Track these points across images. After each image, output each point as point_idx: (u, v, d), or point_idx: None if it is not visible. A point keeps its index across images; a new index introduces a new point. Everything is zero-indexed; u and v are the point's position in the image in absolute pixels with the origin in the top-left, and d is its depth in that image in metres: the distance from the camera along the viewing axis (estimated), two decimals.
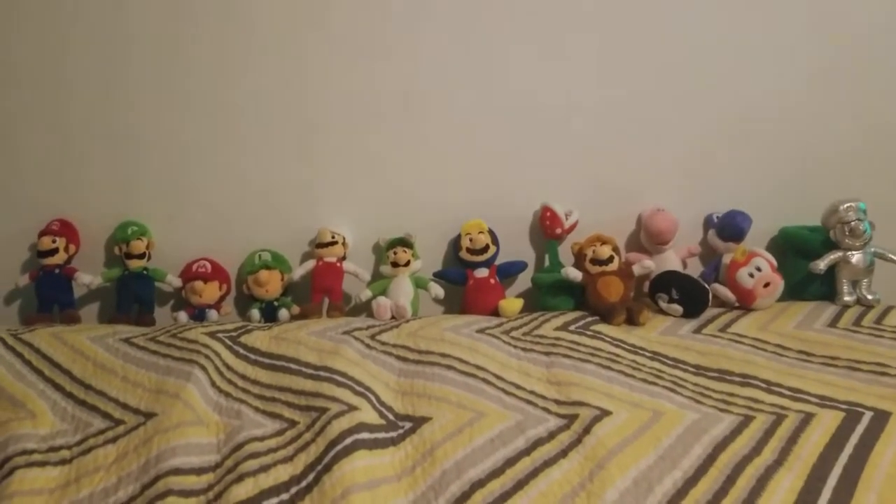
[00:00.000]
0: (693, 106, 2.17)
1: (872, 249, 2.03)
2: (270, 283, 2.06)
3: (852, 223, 1.99)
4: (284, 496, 1.15)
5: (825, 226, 2.06)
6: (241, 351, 1.71)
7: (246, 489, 1.15)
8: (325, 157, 2.12)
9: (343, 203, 2.16)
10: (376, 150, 2.13)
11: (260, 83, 2.05)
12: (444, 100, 2.11)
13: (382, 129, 2.11)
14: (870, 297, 2.00)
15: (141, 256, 2.03)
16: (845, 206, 2.01)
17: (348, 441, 1.25)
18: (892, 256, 2.03)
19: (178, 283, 2.08)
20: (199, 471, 1.23)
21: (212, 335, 1.76)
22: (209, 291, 2.06)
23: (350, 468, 1.17)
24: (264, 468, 1.22)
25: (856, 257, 2.00)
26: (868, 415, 1.38)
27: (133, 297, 2.04)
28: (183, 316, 2.03)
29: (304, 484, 1.17)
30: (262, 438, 1.34)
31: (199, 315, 2.05)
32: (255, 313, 2.05)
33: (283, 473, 1.21)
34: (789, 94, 2.18)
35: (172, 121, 2.06)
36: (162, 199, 2.10)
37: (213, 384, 1.56)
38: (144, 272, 2.05)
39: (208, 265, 2.09)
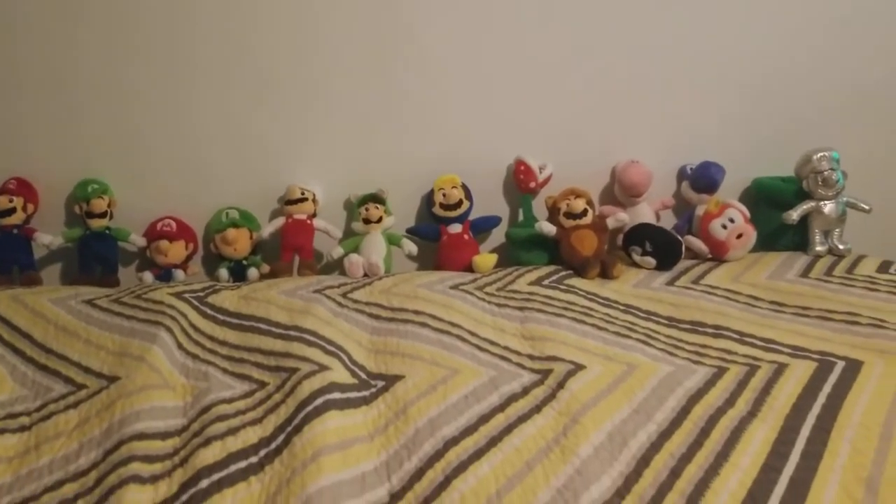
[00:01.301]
0: (666, 58, 2.14)
1: (845, 199, 2.03)
2: (239, 242, 2.02)
3: (825, 173, 1.98)
4: (253, 459, 1.12)
5: (798, 176, 2.06)
6: (209, 311, 1.67)
7: (213, 453, 1.12)
8: (294, 111, 2.07)
9: (313, 158, 2.12)
10: (347, 104, 2.08)
11: (226, 36, 1.99)
12: (417, 53, 2.06)
13: (353, 82, 2.06)
14: (841, 246, 2.00)
15: (102, 216, 1.97)
16: (818, 155, 2.00)
17: (319, 401, 1.22)
18: (864, 206, 2.03)
19: (142, 242, 2.04)
20: (165, 435, 1.20)
21: (178, 295, 1.72)
22: (175, 251, 2.02)
23: (321, 429, 1.14)
24: (232, 431, 1.19)
25: (828, 207, 2.00)
26: (840, 364, 1.38)
27: (95, 257, 1.98)
28: (148, 276, 1.99)
29: (273, 446, 1.15)
30: (230, 400, 1.31)
31: (164, 275, 2.00)
32: (224, 273, 2.01)
33: (251, 436, 1.18)
34: (762, 45, 2.16)
35: (134, 74, 1.98)
36: (124, 156, 2.04)
37: (180, 346, 1.53)
38: (107, 232, 2.00)
39: (173, 224, 2.04)
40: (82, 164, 2.01)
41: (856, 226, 2.08)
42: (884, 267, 1.87)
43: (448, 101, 2.10)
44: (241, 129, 2.06)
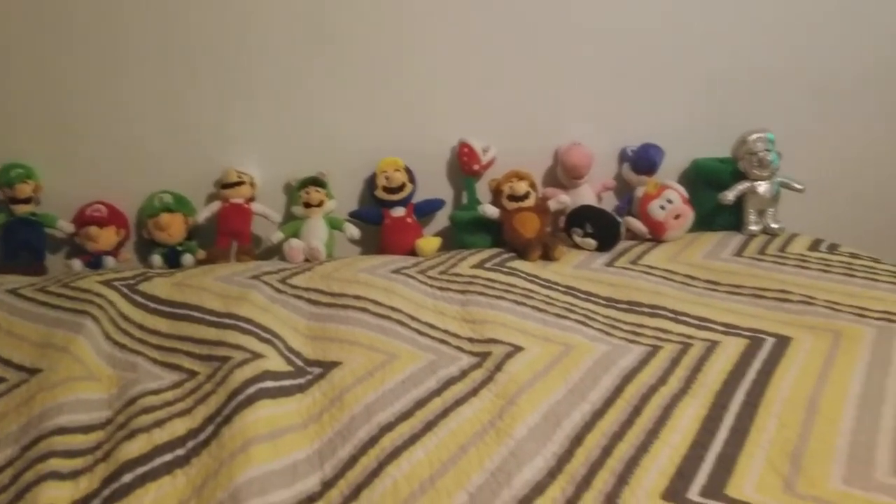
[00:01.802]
0: (609, 41, 2.14)
1: (779, 179, 2.07)
2: (172, 227, 1.97)
3: (760, 154, 2.01)
4: (180, 451, 1.09)
5: (734, 157, 2.09)
6: (140, 299, 1.63)
7: (138, 446, 1.08)
8: (231, 91, 2.01)
9: (251, 140, 2.07)
10: (286, 84, 2.03)
11: (159, 15, 1.92)
12: (357, 31, 2.02)
13: (292, 60, 2.01)
14: (775, 225, 2.04)
15: (27, 201, 1.90)
16: (754, 136, 2.04)
17: (251, 390, 1.20)
18: (797, 185, 2.08)
19: (70, 228, 1.97)
20: (88, 429, 1.16)
21: (107, 283, 1.67)
22: (105, 237, 1.95)
23: (252, 419, 1.12)
24: (159, 423, 1.15)
25: (762, 187, 2.04)
26: (770, 341, 1.41)
27: (21, 244, 1.91)
28: (77, 264, 1.93)
29: (201, 438, 1.12)
30: (158, 391, 1.27)
31: (94, 262, 1.94)
32: (157, 259, 1.96)
33: (179, 427, 1.15)
34: (701, 29, 2.17)
35: (61, 53, 1.90)
36: (49, 138, 1.96)
37: (107, 336, 1.48)
38: (32, 218, 1.92)
39: (103, 209, 1.98)
40: (5, 147, 1.93)
41: (789, 205, 2.12)
42: (815, 245, 1.92)
43: (391, 82, 2.07)
44: (176, 111, 2.00)
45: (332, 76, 2.04)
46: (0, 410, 1.22)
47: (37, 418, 1.16)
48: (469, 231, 2.07)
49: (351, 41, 2.02)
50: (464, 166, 2.10)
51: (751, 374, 1.28)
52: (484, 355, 1.38)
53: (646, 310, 1.58)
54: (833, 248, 1.90)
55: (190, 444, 1.11)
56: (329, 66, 2.03)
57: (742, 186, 2.04)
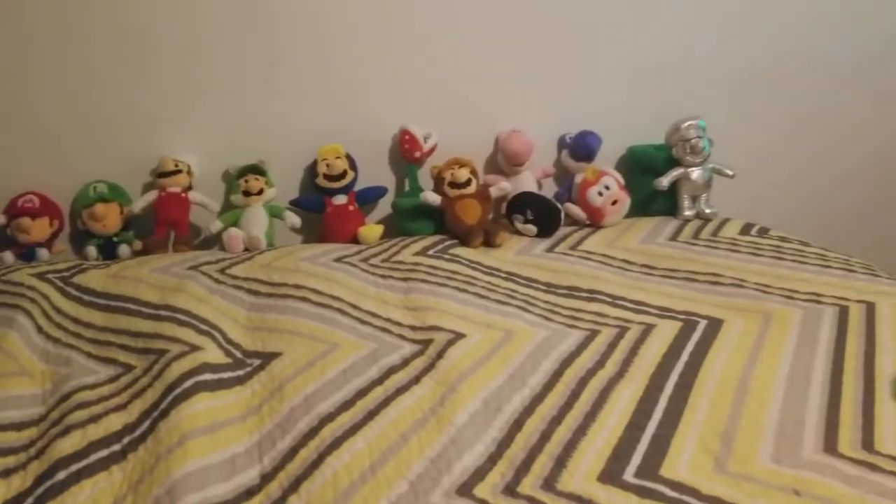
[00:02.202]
0: (548, 29, 2.15)
1: (711, 165, 2.12)
2: (108, 217, 1.92)
3: (692, 140, 2.07)
4: (116, 447, 1.07)
5: (668, 143, 2.14)
6: (74, 292, 1.58)
7: (72, 442, 1.06)
8: (168, 77, 1.96)
9: (187, 128, 2.02)
10: (223, 70, 1.99)
11: None
12: (296, 16, 1.98)
13: (229, 45, 1.97)
14: (708, 210, 2.10)
15: None
16: (686, 124, 2.09)
17: (188, 384, 1.18)
18: (728, 171, 2.14)
19: (1, 220, 1.89)
20: (21, 426, 1.13)
21: (40, 276, 1.63)
22: (38, 228, 1.89)
23: (189, 412, 1.11)
24: (94, 418, 1.13)
25: (696, 173, 2.09)
26: (703, 323, 1.45)
27: None
28: (9, 256, 1.86)
29: (138, 433, 1.10)
30: (93, 386, 1.25)
31: (27, 255, 1.88)
32: (92, 250, 1.91)
33: (115, 423, 1.13)
34: (638, 19, 2.21)
35: None
36: None
37: (40, 330, 1.44)
38: None
39: (36, 199, 1.91)
40: None
41: (722, 190, 2.18)
42: (746, 229, 1.99)
43: (331, 68, 2.05)
44: (110, 97, 1.94)
45: (272, 62, 2.01)
46: None
47: None
48: (411, 218, 2.07)
49: (290, 26, 1.99)
50: (405, 153, 2.10)
51: (684, 357, 1.31)
52: (426, 343, 1.39)
53: (584, 295, 1.61)
54: (763, 232, 1.96)
55: (126, 439, 1.10)
56: (268, 51, 2.00)
57: (676, 173, 2.09)
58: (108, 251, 1.92)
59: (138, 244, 1.94)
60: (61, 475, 1.00)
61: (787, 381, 1.23)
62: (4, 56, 1.85)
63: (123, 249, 1.92)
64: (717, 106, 2.31)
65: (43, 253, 1.90)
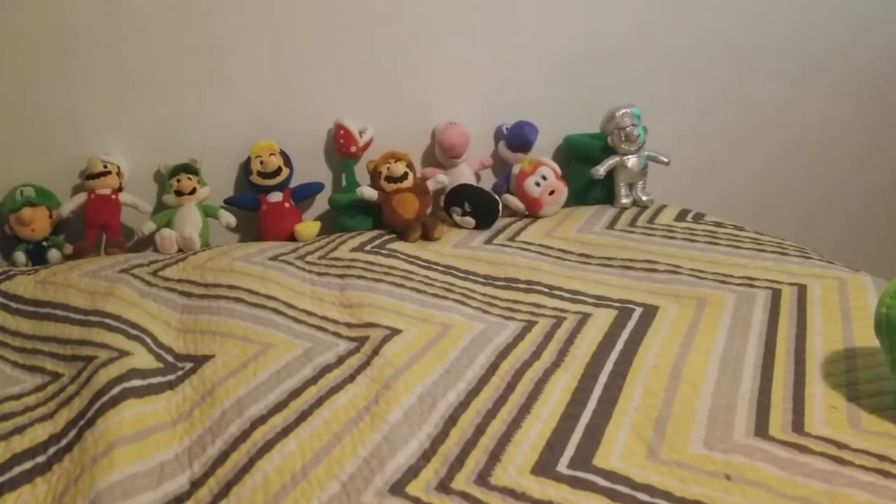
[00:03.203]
0: (481, 19, 2.16)
1: (646, 153, 2.16)
2: (36, 222, 1.86)
3: (627, 128, 2.09)
4: (41, 458, 1.04)
5: (604, 132, 2.16)
6: (1, 300, 1.53)
7: None
8: (93, 75, 1.90)
9: (115, 127, 1.97)
10: (151, 67, 1.94)
11: None
12: (226, 8, 1.95)
13: (156, 41, 1.92)
14: (644, 198, 2.14)
15: None
16: (621, 112, 2.11)
17: (115, 391, 1.15)
18: (663, 158, 2.17)
19: None
20: None
21: None
22: None
23: (116, 420, 1.08)
24: (19, 429, 1.09)
25: (631, 161, 2.12)
26: (638, 311, 1.47)
27: None
28: None
29: (63, 443, 1.07)
30: (18, 396, 1.20)
31: None
32: (21, 256, 1.85)
33: (40, 433, 1.09)
34: (573, 9, 2.23)
35: None
36: None
37: None
38: None
39: None
40: None
41: (657, 177, 2.22)
42: (681, 215, 2.03)
43: (262, 63, 2.02)
44: (34, 97, 1.87)
45: (201, 58, 1.97)
46: None
47: None
48: (349, 214, 2.06)
49: (220, 20, 1.95)
50: (340, 148, 2.08)
51: (619, 345, 1.33)
52: (361, 340, 1.38)
53: (522, 286, 1.62)
54: (698, 218, 2.00)
55: (51, 449, 1.06)
56: (197, 47, 1.95)
57: (612, 161, 2.12)
58: (38, 256, 1.86)
59: (69, 248, 1.89)
60: None
61: (719, 365, 1.25)
62: None
63: (53, 254, 1.86)
64: (649, 92, 2.35)
65: None
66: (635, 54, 2.34)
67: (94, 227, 1.91)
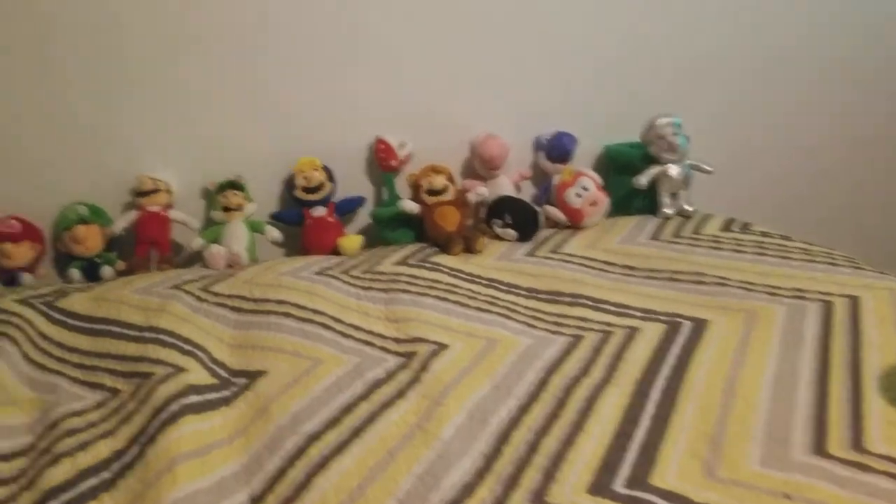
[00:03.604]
0: (517, 30, 2.17)
1: (689, 162, 2.14)
2: (89, 239, 1.91)
3: (669, 138, 2.08)
4: (105, 475, 1.07)
5: (644, 141, 2.15)
6: (58, 317, 1.57)
7: (63, 471, 1.06)
8: (141, 95, 1.95)
9: (164, 146, 2.02)
10: (198, 86, 1.98)
11: (67, 16, 1.83)
12: (267, 31, 1.98)
13: (202, 62, 1.96)
14: (688, 208, 2.12)
15: None
16: (662, 121, 2.10)
17: (174, 407, 1.18)
18: (707, 167, 2.15)
19: None
20: (10, 456, 1.12)
21: (23, 302, 1.61)
22: (20, 253, 1.88)
23: (176, 436, 1.10)
24: (83, 446, 1.13)
25: (674, 170, 2.11)
26: (687, 325, 1.45)
27: None
28: None
29: (126, 459, 1.10)
30: (81, 413, 1.24)
31: (10, 279, 1.87)
32: (75, 273, 1.90)
33: (104, 450, 1.12)
34: (611, 17, 2.22)
35: None
36: None
37: (26, 357, 1.43)
38: None
39: (17, 224, 1.90)
40: None
41: (702, 187, 2.20)
42: (727, 225, 2.00)
43: (304, 81, 2.05)
44: (84, 118, 1.92)
45: (245, 77, 2.00)
46: None
47: None
48: (391, 227, 2.08)
49: (264, 40, 1.99)
50: (381, 163, 2.10)
51: (670, 360, 1.32)
52: (409, 355, 1.39)
53: (567, 299, 1.61)
54: (745, 228, 1.98)
55: (115, 466, 1.09)
56: (242, 67, 1.99)
57: (654, 170, 2.10)
58: (91, 273, 1.91)
59: (121, 265, 1.93)
60: None
61: (773, 381, 1.23)
62: None
63: (106, 271, 1.91)
64: (690, 99, 2.33)
65: (26, 278, 1.88)
66: (674, 61, 2.32)
67: (144, 244, 1.95)
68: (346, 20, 2.03)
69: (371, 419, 1.17)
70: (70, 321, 1.56)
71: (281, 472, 1.05)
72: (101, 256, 1.94)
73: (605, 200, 2.07)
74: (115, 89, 1.93)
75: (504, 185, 2.15)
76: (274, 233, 2.02)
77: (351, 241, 1.98)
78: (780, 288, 1.59)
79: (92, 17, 1.85)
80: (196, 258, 2.02)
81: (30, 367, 1.41)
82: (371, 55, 2.08)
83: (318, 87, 2.06)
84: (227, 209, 1.99)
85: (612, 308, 1.56)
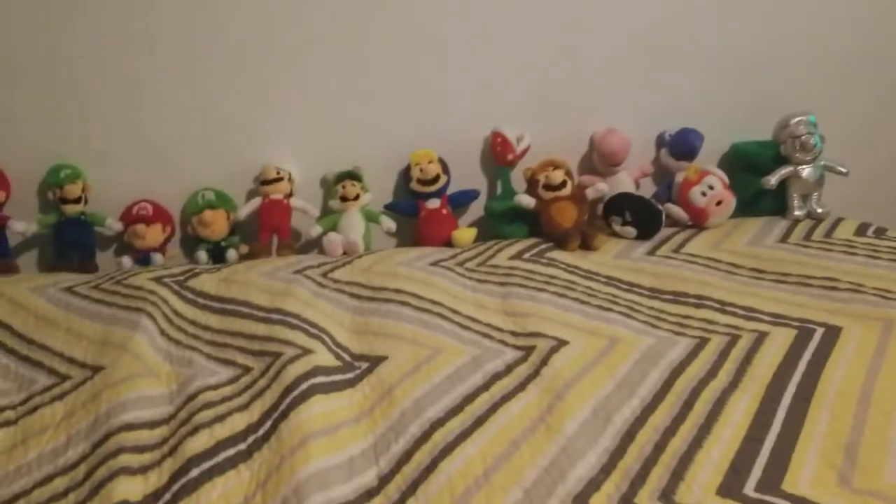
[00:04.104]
0: (643, 23, 2.11)
1: (822, 163, 2.04)
2: (216, 224, 2.00)
3: (802, 137, 1.99)
4: (242, 446, 1.12)
5: (776, 140, 2.07)
6: (190, 296, 1.66)
7: (202, 441, 1.12)
8: (267, 88, 2.02)
9: (287, 137, 2.08)
10: (320, 80, 2.03)
11: (193, 13, 1.92)
12: (386, 25, 2.01)
13: (324, 57, 2.02)
14: (820, 210, 2.02)
15: (77, 201, 1.94)
16: (795, 119, 2.01)
17: (304, 386, 1.22)
18: (841, 169, 2.04)
19: (118, 227, 2.00)
20: (152, 424, 1.20)
21: (158, 280, 1.70)
22: (152, 234, 1.99)
23: (307, 414, 1.15)
24: (219, 418, 1.19)
25: (806, 171, 2.01)
26: (819, 331, 1.40)
27: (72, 243, 1.95)
28: (127, 261, 1.96)
29: (260, 433, 1.15)
30: (215, 387, 1.30)
31: (143, 259, 1.98)
32: (203, 255, 1.99)
33: (239, 423, 1.18)
34: (739, 10, 2.14)
35: (101, 53, 1.91)
36: (95, 139, 1.98)
37: (163, 332, 1.51)
38: (82, 217, 1.96)
39: (149, 207, 2.01)
40: (54, 148, 1.96)
41: (835, 188, 2.09)
42: (861, 230, 1.90)
43: (422, 73, 2.07)
44: (214, 109, 2.02)
45: (364, 70, 2.04)
46: (69, 407, 1.26)
47: (104, 415, 1.20)
48: (505, 221, 2.07)
49: (381, 34, 2.02)
50: (497, 156, 2.09)
51: (801, 366, 1.27)
52: (528, 349, 1.39)
53: (691, 300, 1.57)
54: (880, 233, 1.87)
55: (250, 438, 1.14)
56: (360, 60, 2.03)
57: (785, 171, 2.01)
58: (217, 255, 2.00)
59: (244, 248, 2.01)
60: (194, 472, 1.05)
61: None
62: (118, 73, 1.94)
63: (231, 254, 1.99)
64: (822, 96, 2.21)
65: (157, 258, 1.99)
66: (807, 55, 2.20)
67: (267, 230, 2.03)
68: (464, 10, 2.03)
69: (493, 409, 1.18)
70: (201, 300, 1.64)
71: (407, 455, 1.07)
72: (227, 240, 2.02)
73: (731, 200, 1.99)
74: (246, 83, 2.00)
75: (624, 182, 2.10)
76: (389, 223, 2.06)
77: (465, 233, 1.99)
78: None
79: (235, 12, 1.93)
80: (314, 245, 2.09)
81: (166, 341, 1.49)
82: (490, 45, 2.07)
83: (436, 78, 2.08)
84: (344, 199, 2.03)
85: (740, 311, 1.51)
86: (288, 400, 1.19)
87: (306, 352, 1.37)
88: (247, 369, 1.38)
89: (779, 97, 2.17)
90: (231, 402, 1.25)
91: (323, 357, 1.36)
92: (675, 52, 2.15)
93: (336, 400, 1.22)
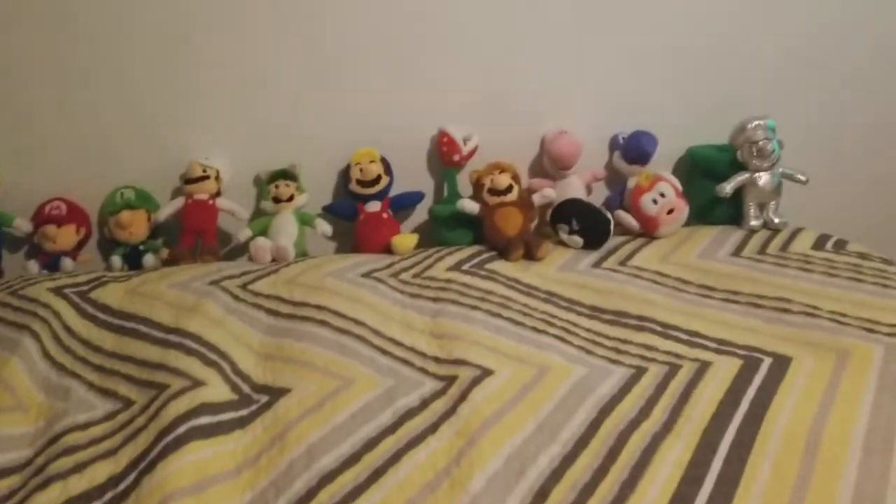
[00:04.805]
0: (596, 22, 1.98)
1: (781, 170, 1.92)
2: (134, 225, 1.86)
3: (760, 142, 1.87)
4: None
5: (733, 145, 1.96)
6: (89, 309, 1.52)
7: (50, 497, 0.98)
8: (194, 79, 1.88)
9: (216, 131, 1.95)
10: (254, 72, 1.89)
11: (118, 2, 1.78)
12: (329, 15, 1.87)
13: (258, 46, 1.87)
14: (777, 220, 1.90)
15: None
16: (753, 124, 1.90)
17: (181, 430, 1.08)
18: (800, 177, 1.93)
19: (28, 227, 1.87)
20: (5, 472, 1.05)
21: (58, 291, 1.56)
22: (64, 236, 1.85)
23: (176, 467, 1.00)
24: (79, 468, 1.04)
25: (763, 179, 1.90)
26: (767, 361, 1.28)
27: None
28: (34, 266, 1.83)
29: (121, 488, 1.01)
30: (85, 426, 1.16)
31: (52, 264, 1.84)
32: (116, 261, 1.86)
33: (100, 474, 1.04)
34: (695, 9, 2.01)
35: (16, 39, 1.77)
36: (6, 133, 1.84)
37: (46, 354, 1.37)
38: None
39: (63, 206, 1.87)
40: None
41: (793, 197, 1.98)
42: (820, 243, 1.78)
43: (365, 67, 1.93)
44: (139, 101, 1.87)
45: (304, 63, 1.90)
46: None
47: None
48: (449, 226, 1.95)
49: (321, 26, 1.88)
50: (444, 157, 1.97)
51: (744, 405, 1.15)
52: (450, 380, 1.26)
53: (632, 321, 1.45)
54: (840, 247, 1.76)
55: (108, 494, 1.00)
56: (300, 51, 1.89)
57: (740, 178, 1.90)
58: (134, 260, 1.86)
59: (165, 252, 1.87)
60: None
61: (864, 439, 1.07)
62: (33, 61, 1.80)
63: (148, 259, 1.86)
64: (785, 99, 2.09)
65: (67, 263, 1.85)
66: (768, 57, 2.07)
67: (190, 233, 1.88)
68: (411, 5, 1.89)
69: (395, 459, 1.05)
70: (100, 315, 1.50)
71: None
72: (146, 244, 1.88)
73: (683, 209, 1.87)
74: (173, 70, 1.86)
75: (574, 187, 1.98)
76: (324, 227, 1.93)
77: (404, 240, 1.86)
78: (878, 323, 1.39)
79: (144, 10, 1.80)
80: (243, 249, 1.95)
81: (48, 366, 1.35)
82: (438, 41, 1.94)
83: (380, 73, 1.94)
84: (277, 200, 1.90)
85: (683, 336, 1.39)
86: (160, 447, 1.05)
87: (196, 384, 1.22)
88: (128, 403, 1.23)
89: (738, 99, 2.05)
90: (99, 445, 1.11)
91: (215, 391, 1.22)
92: (631, 51, 2.01)
93: (217, 446, 1.08)
